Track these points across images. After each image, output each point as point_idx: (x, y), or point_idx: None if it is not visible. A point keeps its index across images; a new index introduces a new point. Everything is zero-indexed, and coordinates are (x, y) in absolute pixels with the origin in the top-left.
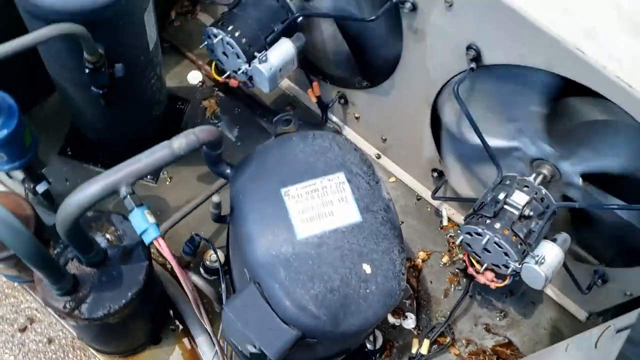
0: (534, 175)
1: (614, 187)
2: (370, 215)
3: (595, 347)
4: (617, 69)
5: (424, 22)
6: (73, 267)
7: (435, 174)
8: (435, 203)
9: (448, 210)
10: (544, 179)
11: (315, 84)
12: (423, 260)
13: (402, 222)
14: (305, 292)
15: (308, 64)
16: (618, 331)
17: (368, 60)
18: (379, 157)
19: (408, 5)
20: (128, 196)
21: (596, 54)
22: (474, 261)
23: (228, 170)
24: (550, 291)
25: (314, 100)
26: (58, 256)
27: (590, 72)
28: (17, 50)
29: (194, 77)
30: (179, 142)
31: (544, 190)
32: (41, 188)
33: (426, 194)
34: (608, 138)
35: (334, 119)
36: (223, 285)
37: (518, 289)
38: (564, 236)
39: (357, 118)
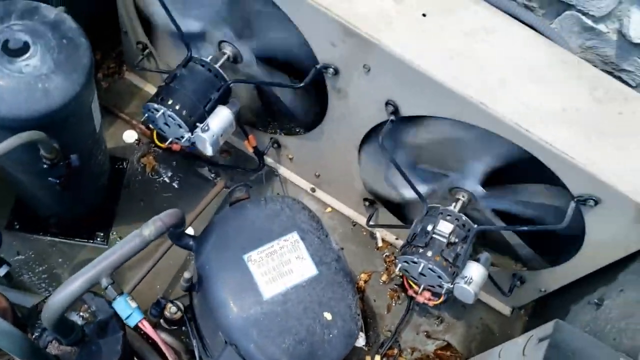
0: (454, 203)
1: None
2: (325, 267)
3: (524, 354)
4: (515, 116)
5: (346, 84)
6: (54, 349)
7: (367, 203)
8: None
9: (381, 233)
10: (463, 204)
11: (251, 136)
12: (365, 282)
13: (342, 248)
14: (277, 347)
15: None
16: (540, 340)
17: (296, 115)
18: (314, 190)
19: (331, 70)
20: (109, 286)
21: (497, 104)
22: (412, 284)
23: (191, 242)
24: None
25: (251, 150)
26: (37, 339)
27: (494, 121)
28: None
29: (130, 136)
30: (149, 230)
31: (464, 217)
32: (2, 272)
33: (361, 219)
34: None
35: (269, 160)
36: (194, 342)
37: (450, 296)
38: (485, 255)
39: (290, 159)
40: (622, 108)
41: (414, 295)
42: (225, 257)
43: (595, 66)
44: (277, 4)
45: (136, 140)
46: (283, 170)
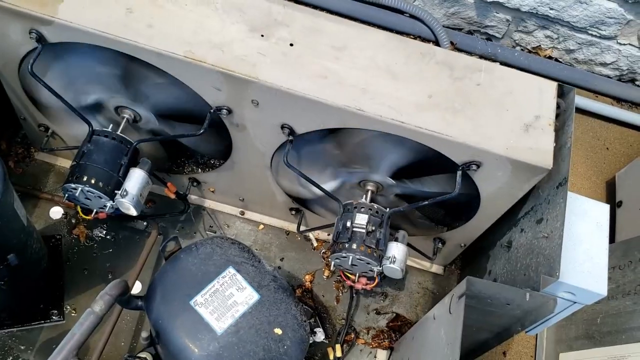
0: (364, 195)
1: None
2: (265, 290)
3: (450, 312)
4: (390, 112)
5: (241, 119)
6: None
7: (293, 212)
8: None
9: (314, 234)
10: (373, 193)
11: (169, 184)
12: (310, 282)
13: (283, 258)
14: None
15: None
16: (459, 297)
17: (204, 153)
18: (243, 213)
19: (224, 111)
20: None
21: (372, 107)
22: (348, 274)
23: (140, 303)
24: (410, 262)
25: (172, 196)
26: None
27: (374, 122)
28: None
29: (56, 212)
30: (99, 306)
31: (375, 205)
32: None
33: (292, 227)
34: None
35: (194, 197)
36: None
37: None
38: (402, 233)
39: (212, 191)
40: (479, 79)
41: (352, 284)
42: (174, 307)
43: (462, 28)
44: (158, 66)
45: (63, 214)
46: (209, 203)
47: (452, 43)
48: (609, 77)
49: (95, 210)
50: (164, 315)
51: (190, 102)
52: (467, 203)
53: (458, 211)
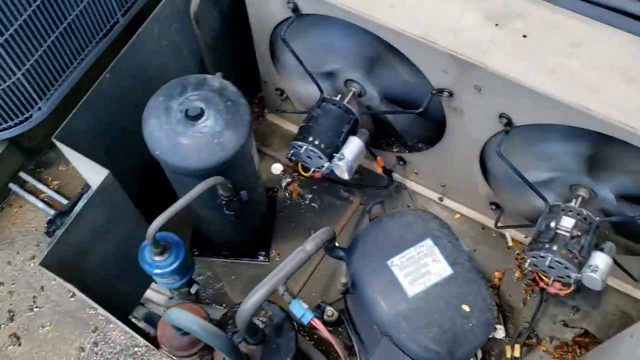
0: (574, 199)
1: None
2: (459, 267)
3: None
4: (619, 116)
5: (460, 103)
6: (243, 348)
7: (494, 207)
8: None
9: (510, 233)
10: (583, 200)
11: (379, 158)
12: (499, 279)
13: (475, 250)
14: (425, 336)
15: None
16: None
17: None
18: (441, 199)
19: (445, 93)
20: (285, 292)
21: (599, 107)
22: (542, 276)
23: (342, 254)
24: (611, 281)
25: (380, 170)
26: None
27: (599, 123)
28: (179, 210)
29: (276, 169)
30: (310, 246)
31: (585, 211)
32: (194, 289)
33: (489, 222)
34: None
35: (396, 176)
36: (353, 337)
37: (583, 285)
38: (609, 245)
39: (416, 173)
40: None
41: (545, 287)
42: (372, 263)
43: None
44: (395, 45)
45: (282, 171)
46: (410, 184)
47: None
48: None
49: (312, 169)
50: (362, 269)
51: (414, 89)
52: None
53: None
